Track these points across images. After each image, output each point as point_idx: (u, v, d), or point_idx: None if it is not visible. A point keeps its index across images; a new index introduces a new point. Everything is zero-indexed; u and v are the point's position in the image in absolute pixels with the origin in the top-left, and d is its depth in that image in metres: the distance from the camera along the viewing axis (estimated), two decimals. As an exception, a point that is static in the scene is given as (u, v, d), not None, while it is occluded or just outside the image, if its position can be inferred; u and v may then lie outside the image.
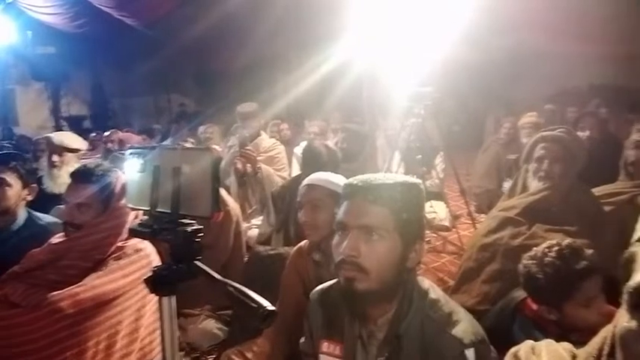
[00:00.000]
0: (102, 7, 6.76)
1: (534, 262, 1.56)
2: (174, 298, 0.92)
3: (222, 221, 2.60)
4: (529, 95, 7.87)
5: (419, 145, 3.76)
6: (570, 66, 8.03)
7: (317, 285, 1.37)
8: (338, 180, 1.84)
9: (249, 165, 3.44)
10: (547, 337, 1.51)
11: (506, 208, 2.42)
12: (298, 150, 4.05)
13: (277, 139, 4.46)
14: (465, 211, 4.03)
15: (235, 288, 0.80)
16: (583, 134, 3.61)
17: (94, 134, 6.32)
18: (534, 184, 2.40)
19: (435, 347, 1.06)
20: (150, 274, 0.90)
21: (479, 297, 2.25)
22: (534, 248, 1.63)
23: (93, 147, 5.41)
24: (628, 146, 2.64)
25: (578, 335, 1.46)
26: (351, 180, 1.17)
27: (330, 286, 1.29)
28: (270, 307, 0.73)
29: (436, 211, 4.08)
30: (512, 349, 0.70)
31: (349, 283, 1.08)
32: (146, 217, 0.95)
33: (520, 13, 6.37)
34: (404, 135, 3.86)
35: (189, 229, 0.87)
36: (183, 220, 0.88)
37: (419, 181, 1.18)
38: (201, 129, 5.11)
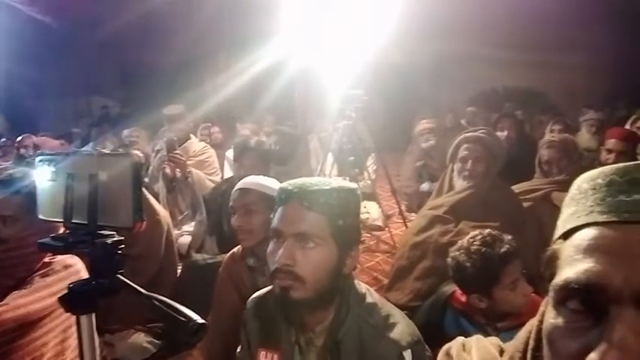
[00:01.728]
0: (11, 3, 6.24)
1: (461, 252, 1.64)
2: (94, 316, 0.85)
3: (151, 230, 2.48)
4: (452, 97, 8.29)
5: (351, 147, 3.82)
6: (488, 70, 8.56)
7: (252, 291, 1.34)
8: (271, 183, 1.82)
9: (178, 170, 3.31)
10: (475, 328, 1.60)
11: (434, 206, 2.51)
12: (230, 153, 3.97)
13: (208, 143, 4.35)
14: (397, 211, 4.14)
15: (162, 302, 0.75)
16: (502, 134, 3.83)
17: (4, 139, 5.81)
18: (459, 183, 2.51)
19: (374, 351, 1.07)
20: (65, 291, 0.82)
21: (411, 294, 2.31)
22: (459, 241, 1.71)
23: (3, 153, 4.98)
24: (542, 146, 2.84)
25: (504, 322, 1.56)
26: (285, 185, 1.14)
27: (267, 293, 1.26)
28: (200, 320, 0.69)
29: (369, 211, 4.17)
30: (445, 347, 0.71)
31: (285, 292, 1.06)
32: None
33: (441, 19, 6.70)
34: (336, 137, 3.90)
35: (108, 240, 0.80)
36: (102, 232, 0.81)
37: (355, 185, 1.17)
38: (125, 132, 4.85)
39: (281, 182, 1.43)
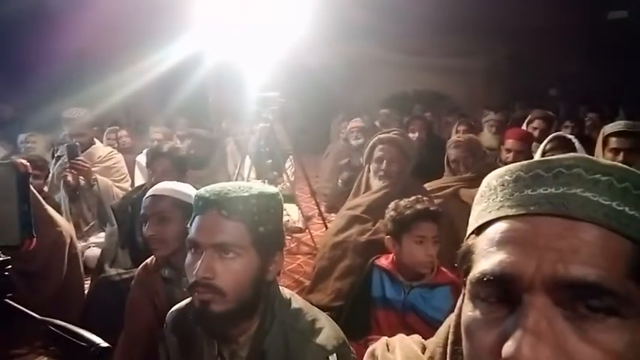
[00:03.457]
0: None
1: (404, 202, 1.87)
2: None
3: (51, 244, 2.26)
4: (365, 100, 8.56)
5: (269, 150, 3.80)
6: (398, 73, 8.97)
7: (168, 304, 1.28)
8: (186, 189, 1.74)
9: (82, 177, 3.08)
10: (395, 286, 1.83)
11: (352, 206, 2.56)
12: (141, 158, 3.76)
13: (115, 148, 4.10)
14: (317, 212, 4.18)
15: (59, 326, 0.67)
16: (413, 135, 4.02)
17: None
18: (375, 183, 2.58)
19: (300, 357, 1.06)
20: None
21: (333, 294, 2.34)
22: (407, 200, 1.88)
23: None
24: (449, 145, 3.00)
25: (419, 281, 1.80)
26: (202, 192, 1.08)
27: (186, 306, 1.20)
28: (103, 344, 0.63)
29: (289, 213, 4.16)
30: (369, 349, 0.72)
31: (205, 306, 1.02)
32: None
33: (351, 24, 6.90)
34: (254, 140, 3.87)
35: (-8, 261, 0.70)
36: (-16, 252, 0.71)
37: (276, 190, 1.14)
38: (21, 138, 4.44)
39: (197, 188, 1.37)
